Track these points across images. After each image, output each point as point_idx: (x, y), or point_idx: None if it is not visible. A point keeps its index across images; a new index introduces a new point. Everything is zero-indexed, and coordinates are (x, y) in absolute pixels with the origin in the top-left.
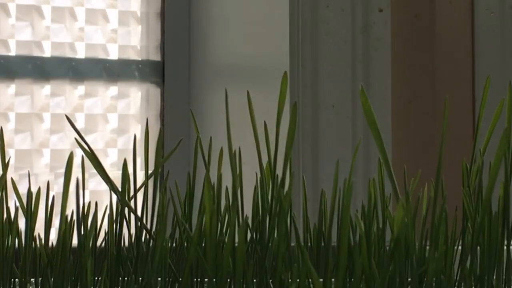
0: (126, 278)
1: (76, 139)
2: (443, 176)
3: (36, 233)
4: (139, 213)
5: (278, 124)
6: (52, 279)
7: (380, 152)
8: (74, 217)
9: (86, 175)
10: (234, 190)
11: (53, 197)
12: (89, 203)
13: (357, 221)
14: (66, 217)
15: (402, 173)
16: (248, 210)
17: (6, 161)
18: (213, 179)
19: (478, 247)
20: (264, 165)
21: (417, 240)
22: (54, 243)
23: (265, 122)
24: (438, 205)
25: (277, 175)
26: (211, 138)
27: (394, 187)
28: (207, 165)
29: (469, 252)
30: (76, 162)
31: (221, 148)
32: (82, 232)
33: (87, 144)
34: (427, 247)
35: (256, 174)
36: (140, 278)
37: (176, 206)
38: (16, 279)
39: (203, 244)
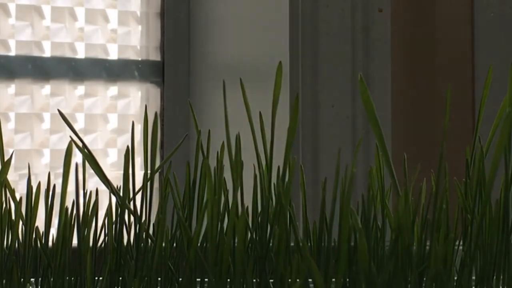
0: (126, 278)
1: (71, 137)
2: (445, 170)
3: (36, 233)
4: (138, 210)
5: (273, 115)
6: (52, 279)
7: (378, 142)
8: (75, 213)
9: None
10: (234, 185)
11: (54, 187)
12: (89, 200)
13: (356, 223)
14: (66, 210)
15: (402, 170)
16: (247, 202)
17: (8, 161)
18: (214, 176)
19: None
20: (263, 160)
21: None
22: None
23: (260, 112)
24: (439, 197)
25: (279, 166)
26: (209, 131)
27: (393, 179)
28: (206, 155)
29: (469, 250)
30: (79, 161)
31: (223, 142)
32: (82, 230)
33: (82, 141)
34: (428, 242)
35: (254, 166)
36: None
37: (176, 199)
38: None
39: (204, 244)
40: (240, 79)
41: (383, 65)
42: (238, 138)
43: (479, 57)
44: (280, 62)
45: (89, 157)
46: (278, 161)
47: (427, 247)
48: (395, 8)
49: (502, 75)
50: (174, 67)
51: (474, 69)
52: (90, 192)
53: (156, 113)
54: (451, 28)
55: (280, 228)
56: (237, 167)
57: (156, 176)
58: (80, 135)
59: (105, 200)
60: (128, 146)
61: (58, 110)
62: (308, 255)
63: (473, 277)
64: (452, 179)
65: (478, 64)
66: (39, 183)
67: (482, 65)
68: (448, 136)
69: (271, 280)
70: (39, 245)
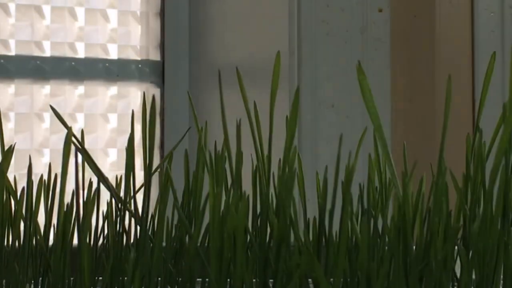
0: (126, 278)
1: (68, 136)
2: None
3: (36, 232)
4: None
5: (272, 105)
6: (51, 279)
7: (376, 131)
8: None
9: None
10: (234, 176)
11: (55, 179)
12: (88, 195)
13: (353, 228)
14: (66, 206)
15: (402, 162)
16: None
17: (8, 151)
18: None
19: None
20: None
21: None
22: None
23: (255, 102)
24: (438, 190)
25: (280, 159)
26: (206, 122)
27: (392, 171)
28: (204, 146)
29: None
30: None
31: (225, 136)
32: (81, 229)
33: (77, 140)
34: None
35: (252, 157)
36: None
37: (175, 193)
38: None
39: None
40: (237, 68)
41: (383, 65)
42: (238, 127)
43: (479, 57)
44: (278, 52)
45: (86, 156)
46: (277, 155)
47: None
48: (395, 8)
49: (501, 76)
50: (174, 67)
51: (474, 70)
52: (90, 184)
53: (153, 98)
54: (451, 28)
55: (280, 223)
56: (238, 157)
57: (156, 177)
58: (80, 135)
59: (105, 196)
60: (129, 136)
61: (51, 107)
62: (310, 250)
63: (473, 277)
64: (452, 174)
65: (477, 63)
66: (40, 179)
67: (482, 64)
68: (448, 137)
69: (271, 280)
70: (38, 245)
